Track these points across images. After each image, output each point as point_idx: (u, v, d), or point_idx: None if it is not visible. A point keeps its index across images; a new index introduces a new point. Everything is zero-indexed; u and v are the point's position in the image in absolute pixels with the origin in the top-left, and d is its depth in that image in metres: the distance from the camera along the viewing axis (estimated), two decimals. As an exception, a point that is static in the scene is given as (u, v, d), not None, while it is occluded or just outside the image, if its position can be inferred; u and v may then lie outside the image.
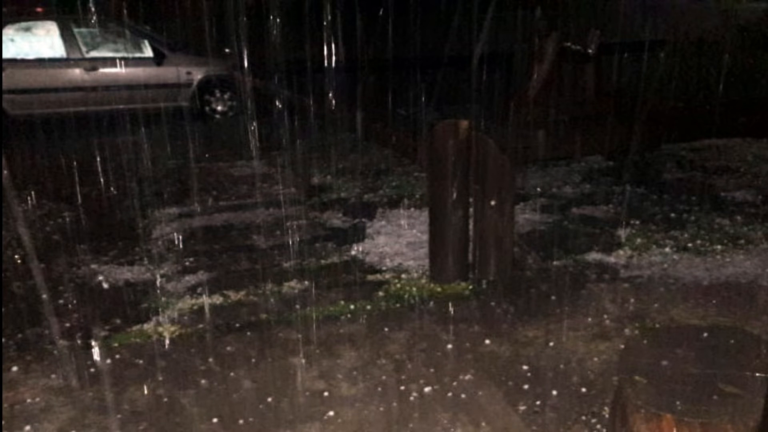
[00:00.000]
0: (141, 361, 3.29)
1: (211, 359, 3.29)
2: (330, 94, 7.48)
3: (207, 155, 7.19)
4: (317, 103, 7.61)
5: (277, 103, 8.12)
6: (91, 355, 3.36)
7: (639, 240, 4.66)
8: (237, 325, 3.63)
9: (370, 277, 4.21)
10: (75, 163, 6.37)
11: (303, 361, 3.26)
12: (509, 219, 4.05)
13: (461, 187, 3.90)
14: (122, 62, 8.52)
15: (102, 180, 6.10)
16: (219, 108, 9.16)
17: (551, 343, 3.36)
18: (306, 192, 5.93)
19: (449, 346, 3.38)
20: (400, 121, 7.09)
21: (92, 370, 3.23)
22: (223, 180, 6.37)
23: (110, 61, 8.51)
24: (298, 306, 3.83)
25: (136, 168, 6.52)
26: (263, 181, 6.29)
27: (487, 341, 3.41)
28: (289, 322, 3.64)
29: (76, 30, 8.55)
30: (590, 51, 6.63)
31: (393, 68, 7.92)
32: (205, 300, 3.91)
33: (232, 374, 3.16)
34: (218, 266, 4.42)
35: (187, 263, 4.46)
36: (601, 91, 6.83)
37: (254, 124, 7.92)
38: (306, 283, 4.11)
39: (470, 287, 3.99)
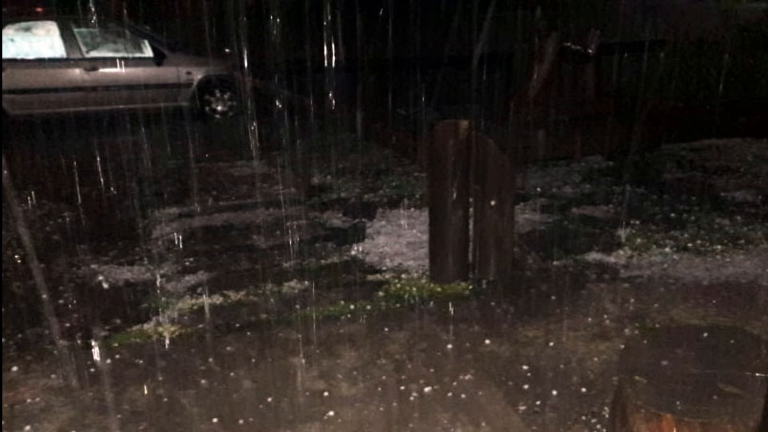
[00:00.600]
0: (141, 361, 3.29)
1: (211, 359, 3.29)
2: (330, 94, 7.47)
3: (207, 155, 7.19)
4: (317, 103, 7.61)
5: (277, 103, 8.12)
6: (91, 355, 3.36)
7: (639, 240, 4.66)
8: (237, 325, 3.63)
9: (370, 277, 4.21)
10: (75, 163, 6.36)
11: (303, 361, 3.26)
12: (509, 219, 4.05)
13: (461, 187, 3.90)
14: (122, 62, 8.51)
15: (102, 180, 6.10)
16: (219, 108, 9.15)
17: (551, 343, 3.36)
18: (306, 192, 5.93)
19: (449, 346, 3.38)
20: (400, 121, 7.09)
21: (92, 370, 3.23)
22: (223, 180, 6.37)
23: (110, 61, 8.51)
24: (298, 306, 3.83)
25: (136, 168, 6.52)
26: (263, 181, 6.29)
27: (487, 341, 3.41)
28: (289, 322, 3.64)
29: (76, 30, 8.55)
30: (590, 51, 6.63)
31: (393, 68, 7.92)
32: (205, 300, 3.91)
33: (232, 374, 3.16)
34: (218, 266, 4.42)
35: (187, 263, 4.46)
36: (601, 91, 6.83)
37: (254, 124, 7.92)
38: (306, 283, 4.11)
39: (470, 287, 3.99)
